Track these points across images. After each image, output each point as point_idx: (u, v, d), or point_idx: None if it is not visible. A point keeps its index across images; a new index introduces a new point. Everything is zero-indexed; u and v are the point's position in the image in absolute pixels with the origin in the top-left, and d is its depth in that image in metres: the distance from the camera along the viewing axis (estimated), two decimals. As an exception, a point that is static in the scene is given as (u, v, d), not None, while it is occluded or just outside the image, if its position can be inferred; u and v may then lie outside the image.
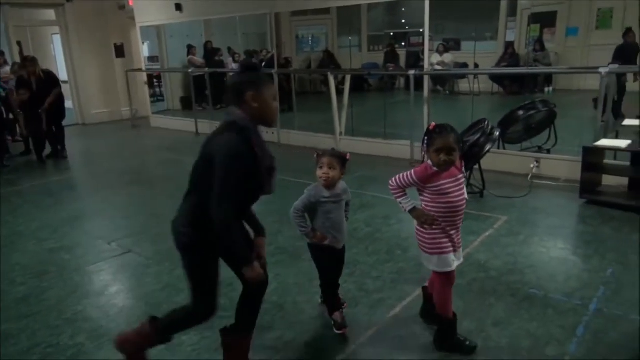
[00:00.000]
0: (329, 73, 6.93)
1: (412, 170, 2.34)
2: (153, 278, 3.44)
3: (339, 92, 7.27)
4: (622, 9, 10.52)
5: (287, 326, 2.77)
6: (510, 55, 11.76)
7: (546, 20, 12.01)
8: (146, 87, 10.71)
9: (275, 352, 2.55)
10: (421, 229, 2.37)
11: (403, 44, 13.72)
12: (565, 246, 3.63)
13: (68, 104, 8.46)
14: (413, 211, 2.37)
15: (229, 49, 11.62)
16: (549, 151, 5.89)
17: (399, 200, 2.40)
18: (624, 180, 4.55)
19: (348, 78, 6.98)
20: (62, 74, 10.74)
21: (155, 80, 13.00)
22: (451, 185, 2.29)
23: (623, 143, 4.37)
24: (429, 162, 2.31)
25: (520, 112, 5.93)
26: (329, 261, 2.69)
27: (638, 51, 7.00)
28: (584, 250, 3.50)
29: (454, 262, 2.37)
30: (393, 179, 2.40)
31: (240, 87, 2.04)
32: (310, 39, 14.11)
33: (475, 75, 11.89)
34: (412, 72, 6.00)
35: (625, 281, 3.03)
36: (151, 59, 12.62)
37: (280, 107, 8.63)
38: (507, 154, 5.69)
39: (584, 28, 11.21)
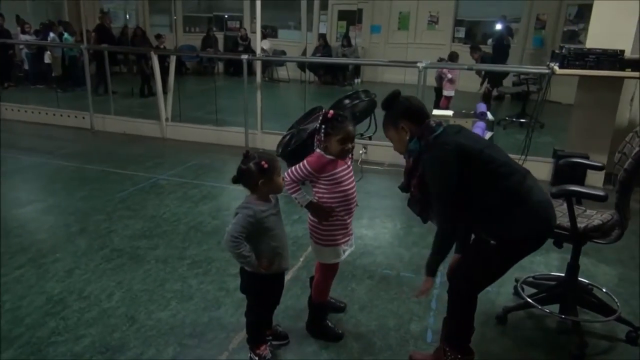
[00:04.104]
0: (152, 52, 6.30)
1: (305, 161, 2.24)
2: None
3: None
4: (418, 14, 11.96)
5: (144, 341, 2.40)
6: (323, 47, 12.41)
7: (352, 18, 12.98)
8: None
9: (134, 374, 2.19)
10: (317, 221, 2.28)
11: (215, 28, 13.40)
12: (403, 226, 3.93)
13: None
14: (310, 206, 2.27)
15: (18, 17, 9.79)
16: (370, 138, 6.35)
17: (293, 196, 2.26)
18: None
19: (173, 59, 6.46)
20: None
21: None
22: (344, 173, 2.27)
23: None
24: (319, 150, 2.23)
25: (347, 101, 6.20)
26: (276, 288, 2.25)
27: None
28: (419, 229, 3.82)
29: (346, 251, 2.37)
30: (286, 173, 2.23)
31: None
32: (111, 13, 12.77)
33: (284, 63, 12.28)
34: (245, 57, 5.80)
35: (457, 254, 3.41)
36: None
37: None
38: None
39: (386, 27, 12.43)
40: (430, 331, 2.55)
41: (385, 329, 2.55)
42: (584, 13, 9.96)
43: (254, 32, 12.98)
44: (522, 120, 7.62)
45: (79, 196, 4.32)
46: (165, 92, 6.40)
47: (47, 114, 7.03)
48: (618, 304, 2.65)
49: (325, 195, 2.28)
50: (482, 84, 7.97)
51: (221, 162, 5.52)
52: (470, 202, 1.91)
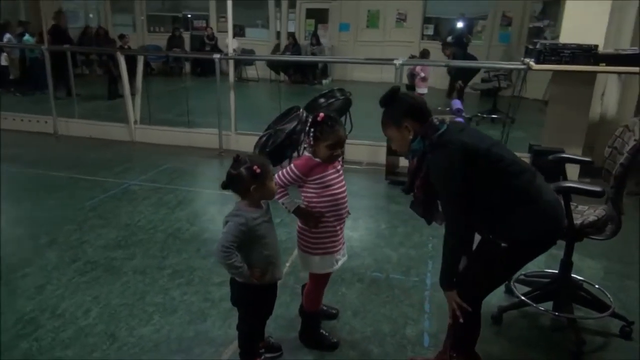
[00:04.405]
0: (118, 53, 6.04)
1: (292, 165, 2.14)
2: None
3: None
4: (387, 12, 11.97)
5: (127, 360, 2.25)
6: (292, 45, 12.29)
7: (320, 16, 12.88)
8: None
9: (119, 397, 2.03)
10: (305, 227, 2.17)
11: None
12: (387, 226, 3.86)
13: None
14: (297, 211, 2.16)
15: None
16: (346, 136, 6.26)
17: (281, 201, 2.15)
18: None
19: (141, 59, 6.21)
20: None
21: None
22: (334, 176, 2.16)
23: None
24: (307, 154, 2.13)
25: (322, 100, 6.10)
26: (269, 299, 2.11)
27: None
28: (404, 229, 3.78)
29: (339, 261, 2.26)
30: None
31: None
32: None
33: (254, 62, 12.11)
34: (216, 56, 5.63)
35: (444, 253, 3.36)
36: None
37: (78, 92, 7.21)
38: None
39: (355, 25, 12.39)
40: (427, 335, 2.48)
41: (380, 335, 2.47)
42: (548, 10, 10.18)
43: (220, 31, 12.89)
44: (493, 116, 7.69)
45: (46, 205, 4.08)
46: (132, 93, 6.15)
47: (5, 119, 6.64)
48: (611, 299, 2.64)
49: (314, 200, 2.18)
50: (455, 81, 8.02)
51: (195, 165, 5.34)
52: (479, 203, 1.84)
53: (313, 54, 12.15)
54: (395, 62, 5.13)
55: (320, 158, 2.13)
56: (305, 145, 2.18)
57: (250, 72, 12.29)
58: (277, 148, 4.69)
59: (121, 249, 3.34)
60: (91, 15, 12.69)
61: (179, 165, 5.25)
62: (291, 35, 12.55)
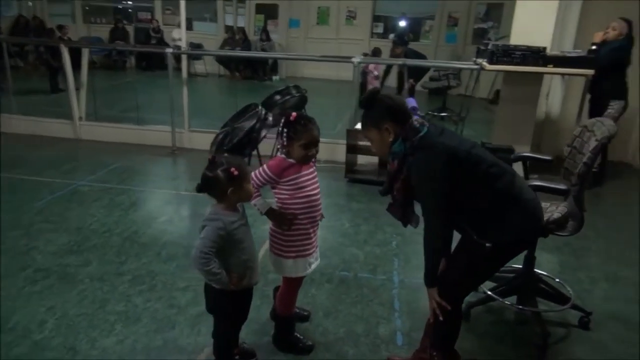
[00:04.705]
0: (61, 45, 5.69)
1: (265, 166, 2.08)
2: None
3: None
4: (337, 9, 12.00)
5: (90, 374, 2.12)
6: (243, 41, 12.08)
7: (270, 12, 12.73)
8: None
9: (85, 415, 1.90)
10: (278, 229, 2.12)
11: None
12: (350, 224, 3.86)
13: None
14: (270, 213, 2.10)
15: None
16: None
17: (253, 202, 2.08)
18: (374, 159, 5.14)
19: (86, 52, 5.88)
20: None
21: None
22: (308, 177, 2.12)
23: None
24: (280, 155, 2.07)
25: (277, 97, 6.04)
26: (245, 304, 2.06)
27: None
28: (367, 227, 3.79)
29: (311, 264, 2.22)
30: None
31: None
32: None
33: (201, 57, 11.80)
34: (169, 50, 5.43)
35: (409, 250, 3.41)
36: None
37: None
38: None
39: (305, 22, 12.34)
40: (400, 333, 2.50)
41: (354, 335, 2.46)
42: (492, 12, 10.58)
43: (166, 24, 12.47)
44: (443, 114, 7.89)
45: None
46: (77, 88, 5.82)
47: None
48: (570, 292, 2.77)
49: (288, 201, 2.13)
50: (407, 79, 8.14)
51: (146, 164, 5.12)
52: (463, 205, 1.85)
53: (263, 49, 11.99)
54: (353, 60, 5.14)
55: (295, 158, 2.09)
56: (279, 146, 2.13)
57: (199, 66, 11.97)
58: (235, 146, 4.59)
59: (74, 254, 3.14)
60: (30, 4, 11.88)
61: (129, 164, 5.02)
62: (241, 30, 12.35)
